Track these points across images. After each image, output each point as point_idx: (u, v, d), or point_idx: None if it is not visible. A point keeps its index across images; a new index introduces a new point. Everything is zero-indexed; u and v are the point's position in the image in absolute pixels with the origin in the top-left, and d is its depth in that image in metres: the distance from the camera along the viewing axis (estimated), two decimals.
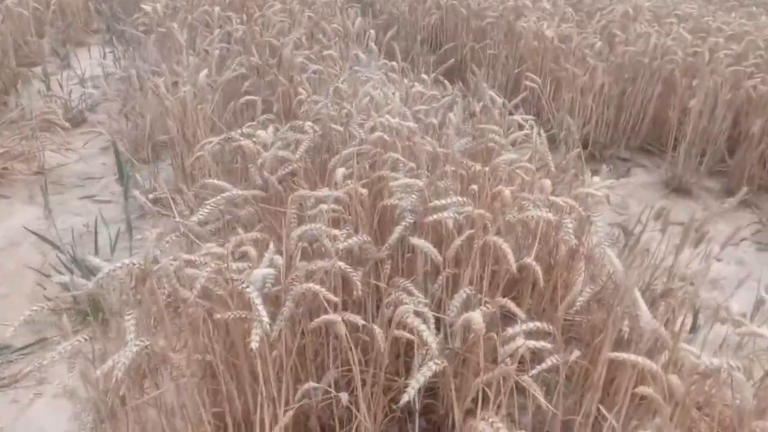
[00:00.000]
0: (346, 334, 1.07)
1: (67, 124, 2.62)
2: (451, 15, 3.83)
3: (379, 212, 1.45)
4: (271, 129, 1.68)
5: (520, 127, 1.86)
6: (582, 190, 1.46)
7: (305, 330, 1.21)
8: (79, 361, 1.07)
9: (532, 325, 1.08)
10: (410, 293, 1.17)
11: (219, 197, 1.34)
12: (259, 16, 2.96)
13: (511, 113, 1.95)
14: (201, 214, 1.26)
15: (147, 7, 3.11)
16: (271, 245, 1.15)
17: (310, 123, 1.67)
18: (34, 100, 3.19)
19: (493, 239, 1.23)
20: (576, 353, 1.16)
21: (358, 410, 1.11)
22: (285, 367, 1.16)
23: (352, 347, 1.07)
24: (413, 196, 1.33)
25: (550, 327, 1.10)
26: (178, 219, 1.31)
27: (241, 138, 1.61)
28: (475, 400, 1.09)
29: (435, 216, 1.30)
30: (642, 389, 1.03)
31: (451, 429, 1.28)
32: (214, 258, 1.15)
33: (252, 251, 1.23)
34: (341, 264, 1.14)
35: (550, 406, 1.07)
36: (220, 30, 2.72)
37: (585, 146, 2.91)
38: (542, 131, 1.83)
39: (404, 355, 1.43)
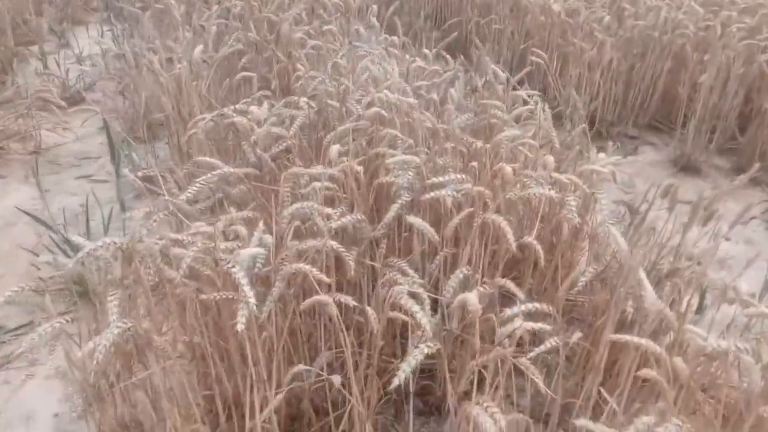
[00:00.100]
0: (337, 316, 1.03)
1: (62, 103, 2.57)
2: None
3: (376, 190, 1.41)
4: (265, 105, 1.63)
5: (525, 102, 1.80)
6: (587, 167, 1.40)
7: (297, 311, 1.17)
8: (63, 343, 1.04)
9: (531, 305, 1.04)
10: (405, 273, 1.13)
11: (209, 175, 1.30)
12: None
13: (515, 88, 1.89)
14: (190, 192, 1.22)
15: None
16: (261, 224, 1.11)
17: (305, 99, 1.62)
18: (32, 78, 3.16)
19: (492, 217, 1.18)
20: (577, 334, 1.12)
21: (351, 393, 1.08)
22: (276, 349, 1.13)
23: (344, 329, 1.04)
24: (410, 173, 1.28)
25: (550, 308, 1.06)
26: (167, 197, 1.27)
27: (234, 114, 1.56)
28: (472, 383, 1.06)
29: (432, 194, 1.25)
30: (645, 372, 0.99)
31: (449, 411, 1.24)
32: (203, 237, 1.11)
33: (243, 230, 1.19)
34: (333, 243, 1.10)
35: (548, 390, 1.03)
36: (218, 6, 2.66)
37: (592, 124, 2.84)
38: (547, 107, 1.78)
39: (401, 336, 1.40)
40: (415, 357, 0.84)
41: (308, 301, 1.04)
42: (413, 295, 1.04)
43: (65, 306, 1.75)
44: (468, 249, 1.28)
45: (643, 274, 1.02)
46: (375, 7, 2.86)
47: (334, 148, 1.35)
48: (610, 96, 2.92)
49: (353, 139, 1.46)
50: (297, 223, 1.24)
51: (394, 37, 2.34)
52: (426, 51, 2.13)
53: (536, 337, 1.15)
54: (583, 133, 1.73)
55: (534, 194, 1.27)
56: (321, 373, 1.10)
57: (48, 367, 1.59)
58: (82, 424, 1.39)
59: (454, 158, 1.47)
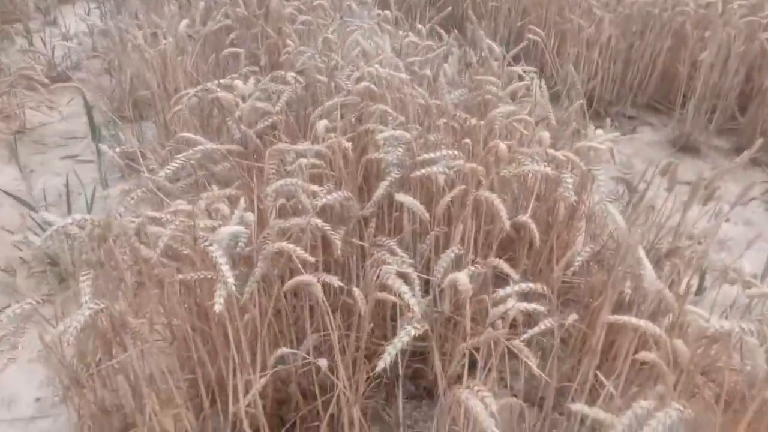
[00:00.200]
0: (323, 298, 0.99)
1: (46, 80, 2.50)
2: None
3: (364, 168, 1.36)
4: (252, 80, 1.57)
5: (520, 79, 1.74)
6: (584, 143, 1.35)
7: (282, 293, 1.13)
8: (36, 325, 1.00)
9: (524, 285, 0.99)
10: (394, 253, 1.08)
11: (190, 151, 1.24)
12: None
13: (510, 64, 1.83)
14: (169, 169, 1.17)
15: None
16: (242, 201, 1.06)
17: (292, 74, 1.56)
18: (16, 57, 3.08)
19: (485, 194, 1.13)
20: (573, 316, 1.08)
21: (338, 377, 1.04)
22: (260, 332, 1.08)
23: (329, 311, 0.99)
24: (400, 149, 1.23)
25: (545, 287, 1.01)
26: (146, 174, 1.22)
27: (218, 90, 1.50)
28: (465, 366, 1.01)
29: (423, 170, 1.20)
30: (644, 354, 0.95)
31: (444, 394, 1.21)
32: (182, 216, 1.06)
33: (225, 209, 1.14)
34: (318, 221, 1.05)
35: (542, 373, 0.99)
36: None
37: (590, 103, 2.78)
38: (544, 84, 1.72)
39: (392, 319, 1.36)
40: (401, 339, 0.79)
41: (292, 281, 0.99)
42: (402, 276, 0.99)
43: (49, 288, 1.70)
44: (460, 228, 1.23)
45: (642, 252, 0.97)
46: None
47: (321, 124, 1.29)
48: (609, 75, 2.85)
49: (342, 115, 1.40)
50: (282, 201, 1.19)
51: (387, 12, 2.27)
52: (420, 26, 2.06)
53: (531, 319, 1.10)
54: (580, 110, 1.68)
55: (529, 171, 1.22)
56: (307, 357, 1.05)
57: (30, 350, 1.55)
58: (63, 409, 1.35)
59: (446, 135, 1.41)
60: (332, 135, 1.30)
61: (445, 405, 0.96)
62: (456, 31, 2.04)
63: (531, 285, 1.00)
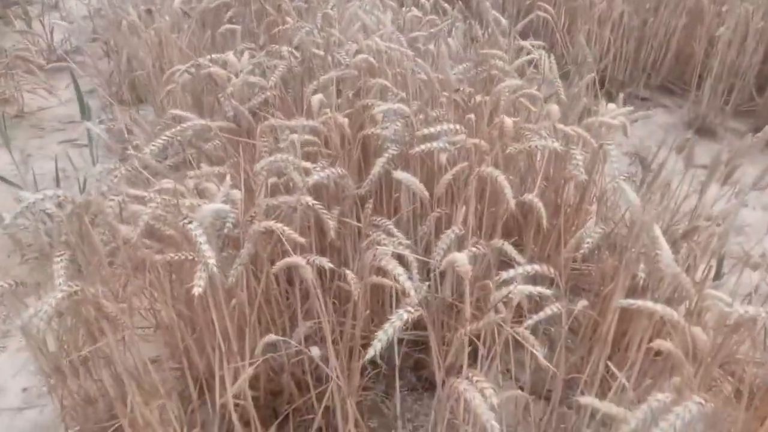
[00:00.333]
0: (313, 281, 0.92)
1: (42, 62, 2.44)
2: None
3: (363, 146, 1.28)
4: (246, 55, 1.50)
5: (528, 53, 1.66)
6: (595, 119, 1.27)
7: (273, 277, 1.06)
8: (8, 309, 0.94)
9: (530, 267, 0.92)
10: (391, 234, 1.01)
11: (178, 128, 1.18)
12: None
13: (517, 40, 1.75)
14: (154, 146, 1.10)
15: None
16: (228, 178, 0.99)
17: (287, 48, 1.48)
18: (15, 40, 3.03)
19: (488, 170, 1.05)
20: (582, 302, 1.00)
21: (331, 367, 0.97)
22: (249, 318, 1.02)
23: (320, 295, 0.92)
24: (398, 123, 1.15)
25: (552, 270, 0.93)
26: (131, 151, 1.16)
27: (211, 65, 1.43)
28: (468, 355, 0.94)
29: (423, 146, 1.13)
30: (659, 343, 0.87)
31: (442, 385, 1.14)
32: (166, 194, 1.00)
33: (212, 187, 1.07)
34: (309, 199, 0.98)
35: (549, 364, 0.92)
36: None
37: (602, 84, 2.68)
38: (553, 59, 1.64)
39: (392, 306, 1.29)
40: (392, 324, 0.72)
41: (280, 263, 0.92)
42: (399, 258, 0.92)
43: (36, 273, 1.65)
44: (463, 209, 1.15)
45: (658, 231, 0.89)
46: None
47: (316, 98, 1.22)
48: (621, 54, 2.75)
49: (339, 91, 1.33)
50: (273, 179, 1.12)
51: None
52: (423, 0, 1.98)
53: (538, 306, 1.03)
54: (592, 86, 1.59)
55: (536, 146, 1.13)
56: (298, 346, 0.99)
57: (19, 339, 1.50)
58: (50, 399, 1.31)
59: (449, 111, 1.34)
60: (327, 111, 1.23)
61: (443, 397, 0.89)
62: (461, 2, 1.95)
63: (537, 267, 0.92)
